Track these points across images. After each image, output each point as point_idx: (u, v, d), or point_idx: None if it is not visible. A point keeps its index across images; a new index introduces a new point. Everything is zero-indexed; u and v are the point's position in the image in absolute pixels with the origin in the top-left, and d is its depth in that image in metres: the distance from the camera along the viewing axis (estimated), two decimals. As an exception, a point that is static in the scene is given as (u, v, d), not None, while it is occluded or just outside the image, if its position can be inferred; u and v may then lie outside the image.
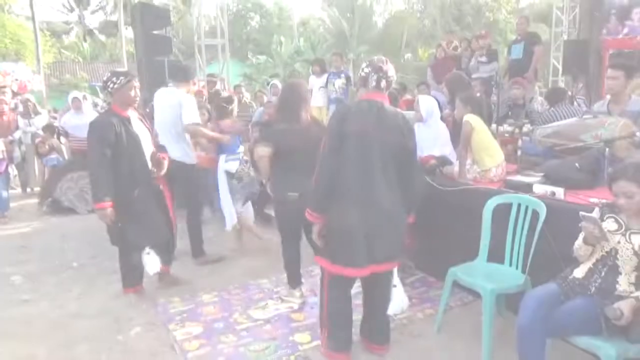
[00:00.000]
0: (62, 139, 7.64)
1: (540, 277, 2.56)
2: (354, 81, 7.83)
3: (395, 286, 2.70)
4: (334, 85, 7.23)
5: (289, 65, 24.91)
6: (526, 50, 6.59)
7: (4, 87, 9.66)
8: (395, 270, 2.71)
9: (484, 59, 7.28)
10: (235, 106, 4.77)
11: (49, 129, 7.44)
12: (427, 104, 4.07)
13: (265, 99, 6.72)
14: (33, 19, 20.88)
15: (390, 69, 2.59)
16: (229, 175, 4.36)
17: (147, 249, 3.45)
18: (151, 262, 3.46)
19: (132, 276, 3.62)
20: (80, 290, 3.85)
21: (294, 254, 3.51)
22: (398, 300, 2.68)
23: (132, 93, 3.40)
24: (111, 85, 3.33)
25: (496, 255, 3.04)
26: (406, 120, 2.59)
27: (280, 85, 7.95)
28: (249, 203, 4.73)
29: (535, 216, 2.82)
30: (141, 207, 3.42)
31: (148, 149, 3.53)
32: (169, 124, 4.15)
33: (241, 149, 4.55)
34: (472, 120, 3.59)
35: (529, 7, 28.51)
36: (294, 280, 3.55)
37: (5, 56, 21.15)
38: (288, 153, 3.26)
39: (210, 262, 4.41)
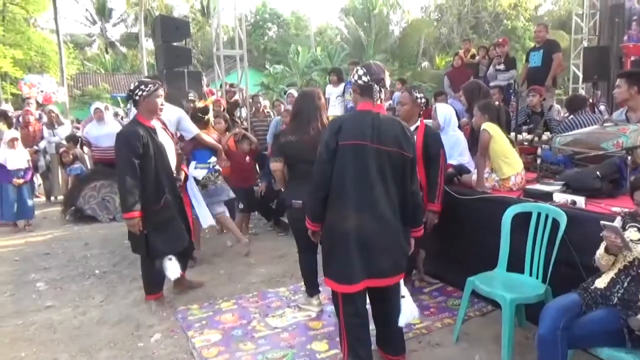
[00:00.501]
0: (85, 149, 7.81)
1: (561, 287, 2.54)
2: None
3: (403, 297, 2.64)
4: (350, 94, 7.24)
5: (306, 74, 25.05)
6: (545, 58, 6.52)
7: (29, 98, 9.95)
8: (402, 281, 2.64)
9: (501, 67, 7.24)
10: (211, 116, 5.03)
11: (73, 139, 7.61)
12: (445, 112, 4.07)
13: (283, 108, 6.79)
14: (57, 32, 21.44)
15: (387, 77, 2.53)
16: (196, 181, 4.52)
17: (169, 255, 3.52)
18: (172, 267, 3.53)
19: (154, 284, 3.68)
20: (102, 297, 3.92)
21: (310, 262, 3.52)
22: (407, 311, 2.63)
23: (159, 101, 3.46)
24: (139, 93, 3.38)
25: (516, 264, 3.01)
26: (405, 129, 2.51)
27: (296, 94, 8.02)
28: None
29: (556, 225, 2.79)
30: (166, 216, 3.49)
31: (172, 158, 3.62)
32: (171, 139, 4.17)
33: (212, 159, 4.71)
34: (490, 128, 3.58)
35: (548, 14, 28.25)
36: (312, 289, 3.56)
37: (31, 68, 21.77)
38: (297, 163, 3.33)
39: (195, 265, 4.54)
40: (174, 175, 3.67)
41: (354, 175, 2.41)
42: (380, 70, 2.50)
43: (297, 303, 3.65)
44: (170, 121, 4.29)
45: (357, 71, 2.51)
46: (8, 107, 10.56)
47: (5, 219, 6.27)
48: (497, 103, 4.93)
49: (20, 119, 8.11)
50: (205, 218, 4.49)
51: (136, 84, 3.44)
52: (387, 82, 2.54)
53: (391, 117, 2.60)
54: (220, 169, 4.81)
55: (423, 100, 3.52)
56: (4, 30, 22.06)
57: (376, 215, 2.43)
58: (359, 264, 2.43)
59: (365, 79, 2.46)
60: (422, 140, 3.40)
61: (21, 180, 6.18)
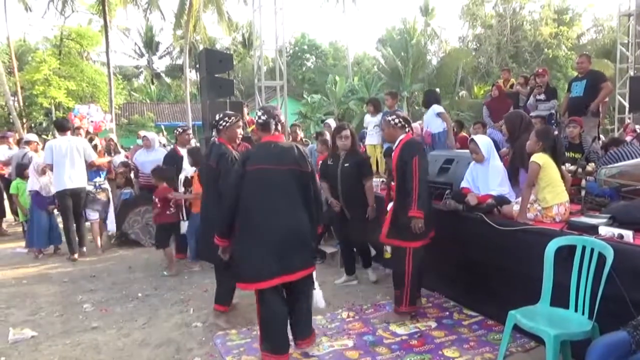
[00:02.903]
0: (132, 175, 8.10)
1: (609, 324, 2.44)
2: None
3: (314, 289, 3.38)
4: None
5: (343, 103, 25.38)
6: (588, 88, 6.35)
7: (79, 128, 10.52)
8: (314, 274, 3.28)
9: (542, 96, 7.13)
10: (97, 143, 7.24)
11: (125, 165, 7.92)
12: (486, 143, 4.05)
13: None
14: (108, 65, 22.71)
15: (281, 114, 3.27)
16: None
17: None
18: None
19: (229, 294, 3.95)
20: (144, 319, 4.03)
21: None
22: (319, 297, 3.53)
23: (238, 131, 3.98)
24: (223, 124, 3.83)
25: (559, 299, 2.92)
26: (300, 150, 3.15)
27: (332, 124, 8.15)
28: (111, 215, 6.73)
29: (602, 259, 2.70)
30: None
31: None
32: (79, 161, 6.04)
33: (97, 179, 6.57)
34: (540, 159, 3.49)
35: (591, 43, 27.72)
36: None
37: (82, 99, 23.01)
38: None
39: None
40: None
41: (258, 193, 3.01)
42: (274, 108, 3.28)
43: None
44: (78, 149, 6.05)
45: (257, 113, 3.12)
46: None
47: (37, 246, 6.31)
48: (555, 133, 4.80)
49: None
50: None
51: (221, 115, 3.92)
52: (282, 116, 3.27)
53: (289, 143, 3.25)
54: (107, 188, 6.67)
55: (396, 120, 3.84)
56: (60, 64, 23.54)
57: (282, 225, 2.99)
58: (272, 264, 2.95)
59: (263, 117, 3.15)
60: (398, 153, 3.75)
61: (53, 206, 6.34)
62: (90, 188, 6.39)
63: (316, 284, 3.46)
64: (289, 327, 3.17)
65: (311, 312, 3.31)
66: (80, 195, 6.15)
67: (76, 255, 6.11)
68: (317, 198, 3.24)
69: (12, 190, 6.84)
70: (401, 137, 3.82)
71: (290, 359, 3.22)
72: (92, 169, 6.44)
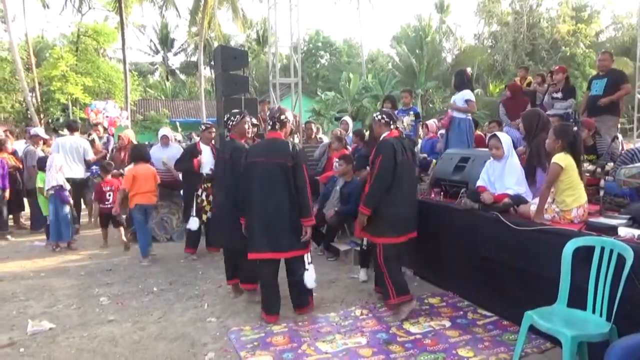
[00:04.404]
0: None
1: (628, 327, 2.41)
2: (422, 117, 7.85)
3: (307, 270, 3.87)
4: (402, 122, 7.25)
5: (357, 101, 25.29)
6: (608, 87, 6.24)
7: (98, 124, 10.64)
8: (307, 255, 3.88)
9: (559, 95, 7.02)
10: (95, 139, 8.70)
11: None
12: (507, 141, 4.00)
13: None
14: (124, 61, 22.94)
15: (283, 114, 3.84)
16: None
17: None
18: None
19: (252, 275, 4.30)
20: (159, 313, 4.08)
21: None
22: (308, 277, 3.87)
23: (247, 127, 4.40)
24: (231, 123, 4.30)
25: (577, 300, 2.89)
26: (294, 147, 3.75)
27: (349, 121, 8.14)
28: None
29: (621, 261, 2.66)
30: None
31: None
32: (78, 156, 7.41)
33: (95, 167, 7.68)
34: (562, 161, 3.40)
35: (610, 40, 27.26)
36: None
37: (98, 95, 23.29)
38: None
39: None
40: None
41: (256, 181, 3.70)
42: (276, 111, 3.91)
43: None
44: (79, 147, 7.41)
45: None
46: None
47: (65, 239, 6.46)
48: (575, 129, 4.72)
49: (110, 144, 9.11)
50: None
51: (229, 115, 4.37)
52: (283, 116, 3.83)
53: (285, 140, 3.80)
54: (102, 176, 7.20)
55: (380, 117, 3.96)
56: (77, 60, 23.84)
57: (274, 210, 3.66)
58: (264, 241, 3.70)
59: (268, 117, 3.90)
60: (374, 150, 3.91)
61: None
62: (88, 174, 7.76)
63: (308, 266, 3.91)
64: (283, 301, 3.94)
65: (302, 286, 3.87)
66: (79, 184, 7.43)
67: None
68: (300, 190, 3.71)
69: (39, 184, 6.90)
70: (385, 134, 3.92)
71: (303, 354, 3.25)
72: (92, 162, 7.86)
